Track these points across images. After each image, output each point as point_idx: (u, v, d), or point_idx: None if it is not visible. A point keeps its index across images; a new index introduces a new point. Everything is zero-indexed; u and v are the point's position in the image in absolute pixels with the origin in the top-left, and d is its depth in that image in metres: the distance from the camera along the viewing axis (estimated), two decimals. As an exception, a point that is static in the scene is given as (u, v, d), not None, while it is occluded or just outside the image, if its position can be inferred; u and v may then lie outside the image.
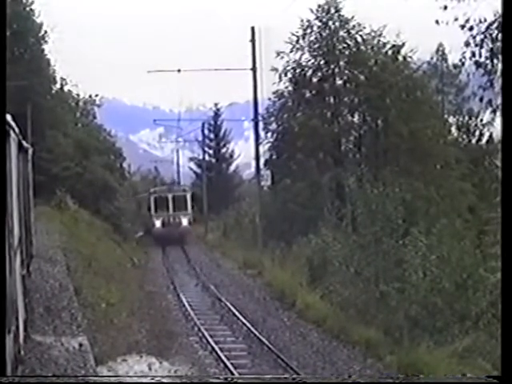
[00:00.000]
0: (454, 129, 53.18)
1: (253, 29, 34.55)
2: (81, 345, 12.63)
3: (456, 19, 20.23)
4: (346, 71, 42.67)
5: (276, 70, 42.15)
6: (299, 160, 41.52)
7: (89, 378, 9.64)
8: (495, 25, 20.14)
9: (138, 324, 20.94)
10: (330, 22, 42.30)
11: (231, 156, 75.63)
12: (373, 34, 42.36)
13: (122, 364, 15.70)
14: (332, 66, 42.51)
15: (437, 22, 21.11)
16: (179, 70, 38.37)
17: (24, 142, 13.42)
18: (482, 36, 20.49)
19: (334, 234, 27.06)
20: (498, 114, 23.67)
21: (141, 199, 59.11)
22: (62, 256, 22.71)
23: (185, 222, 50.84)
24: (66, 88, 51.65)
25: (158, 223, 50.77)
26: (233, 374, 16.41)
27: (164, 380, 3.79)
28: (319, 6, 42.46)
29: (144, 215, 55.20)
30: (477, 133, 53.36)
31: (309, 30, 42.38)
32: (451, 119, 53.64)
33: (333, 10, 42.38)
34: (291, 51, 42.40)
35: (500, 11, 18.78)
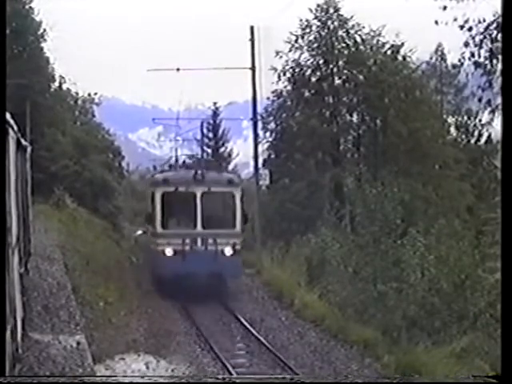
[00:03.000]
0: (452, 129, 53.24)
1: (252, 28, 34.50)
2: (78, 343, 12.62)
3: (455, 19, 20.23)
4: (345, 71, 42.71)
5: (275, 69, 42.23)
6: (298, 160, 41.54)
7: (87, 378, 9.64)
8: (494, 25, 20.14)
9: (135, 322, 20.94)
10: (329, 22, 42.35)
11: (230, 155, 75.55)
12: (372, 33, 42.45)
13: (120, 362, 15.70)
14: (331, 66, 42.55)
15: (436, 22, 21.11)
16: (178, 69, 38.26)
17: (22, 140, 13.41)
18: (481, 36, 20.49)
19: (333, 234, 27.07)
20: (497, 114, 23.70)
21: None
22: (60, 254, 22.71)
23: (228, 250, 25.41)
24: (64, 86, 51.62)
25: (168, 251, 25.25)
26: (231, 373, 16.41)
27: (161, 380, 3.79)
28: (318, 5, 42.55)
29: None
30: (475, 133, 53.39)
31: (308, 30, 42.44)
32: (450, 119, 53.69)
33: (332, 10, 42.43)
34: (290, 51, 42.50)
35: (499, 11, 18.80)
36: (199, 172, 26.10)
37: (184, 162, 38.99)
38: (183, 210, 26.15)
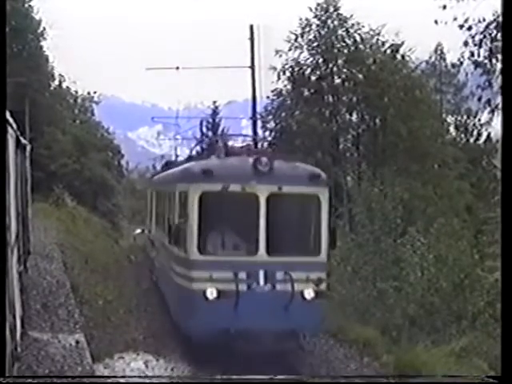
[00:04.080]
0: (452, 128, 53.32)
1: (251, 27, 34.46)
2: (77, 342, 12.62)
3: (455, 19, 20.23)
4: (345, 70, 42.70)
5: (275, 68, 42.21)
6: (297, 159, 41.51)
7: (86, 378, 9.65)
8: (494, 24, 20.15)
9: (135, 321, 20.91)
10: (329, 21, 42.35)
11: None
12: (371, 32, 42.45)
13: (119, 361, 15.67)
14: (330, 65, 42.53)
15: (436, 21, 21.09)
16: (178, 68, 38.23)
17: (22, 139, 13.39)
18: (481, 36, 20.50)
19: (332, 233, 26.99)
20: (496, 113, 23.71)
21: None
22: (59, 253, 22.68)
23: (309, 292, 14.23)
24: (64, 85, 51.70)
25: (210, 291, 13.71)
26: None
27: (162, 380, 3.77)
28: (318, 4, 42.55)
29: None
30: (475, 132, 53.46)
31: (307, 29, 42.44)
32: (449, 118, 53.75)
33: (331, 9, 42.43)
34: (290, 49, 42.49)
35: (499, 11, 18.80)
36: (264, 160, 14.59)
37: (226, 144, 20.81)
38: (236, 224, 14.90)
